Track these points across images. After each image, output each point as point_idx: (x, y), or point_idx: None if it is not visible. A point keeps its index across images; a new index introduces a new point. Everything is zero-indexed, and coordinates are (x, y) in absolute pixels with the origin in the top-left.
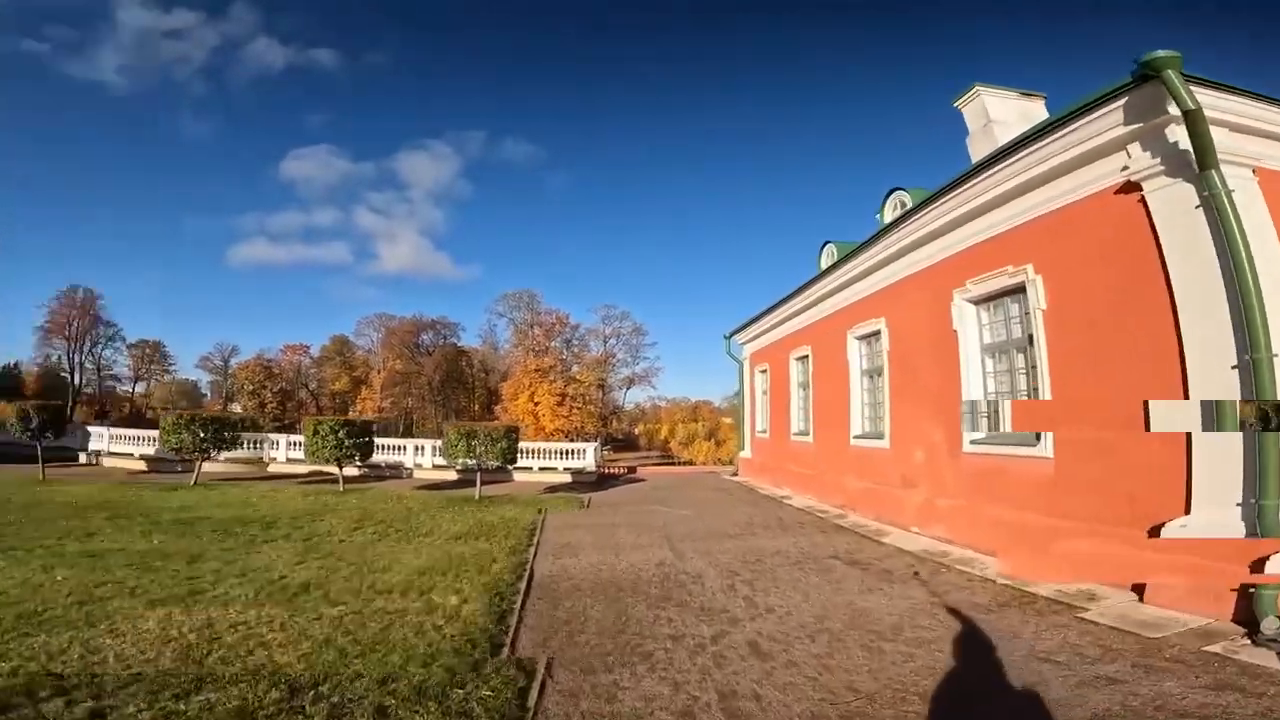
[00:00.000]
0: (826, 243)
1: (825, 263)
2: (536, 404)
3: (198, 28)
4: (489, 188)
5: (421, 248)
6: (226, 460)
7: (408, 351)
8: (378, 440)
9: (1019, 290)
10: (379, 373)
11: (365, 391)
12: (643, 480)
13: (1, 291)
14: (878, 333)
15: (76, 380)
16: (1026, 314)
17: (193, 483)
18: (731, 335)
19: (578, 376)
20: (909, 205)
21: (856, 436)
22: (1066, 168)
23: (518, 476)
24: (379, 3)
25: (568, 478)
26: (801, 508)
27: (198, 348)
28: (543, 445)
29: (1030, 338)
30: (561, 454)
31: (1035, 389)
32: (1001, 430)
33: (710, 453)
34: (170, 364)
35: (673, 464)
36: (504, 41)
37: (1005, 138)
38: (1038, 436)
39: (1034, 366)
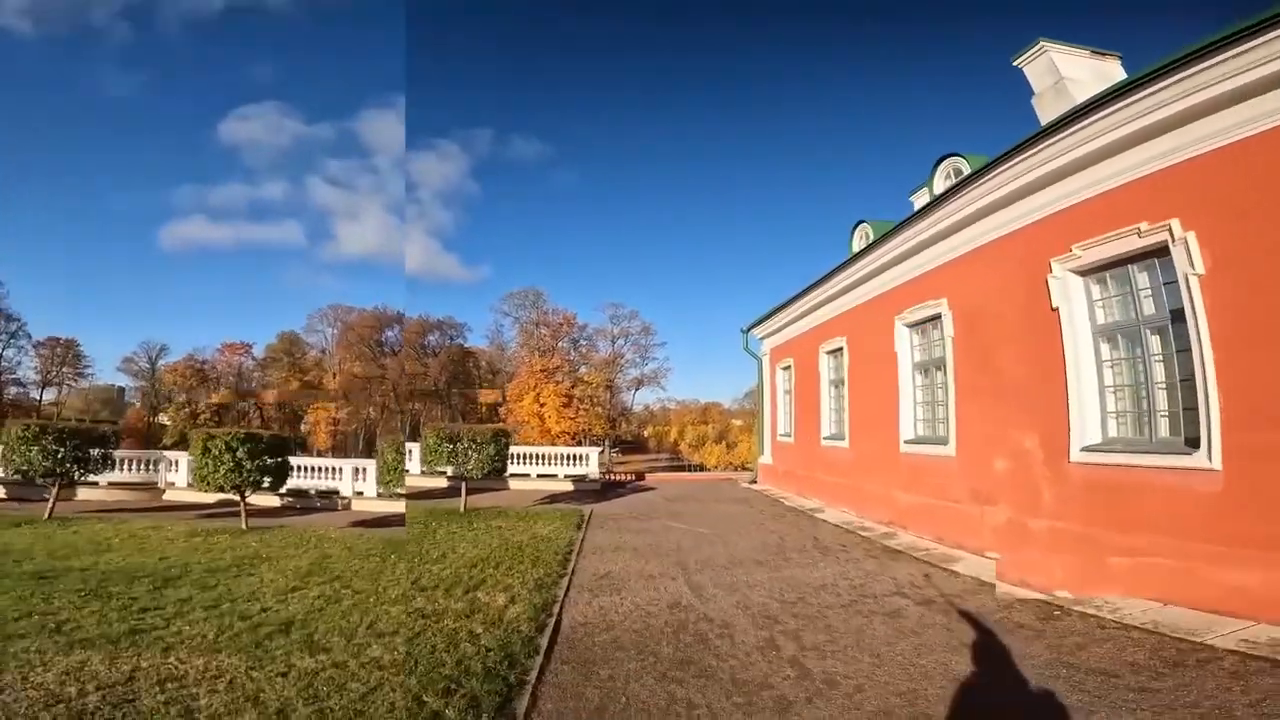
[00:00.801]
0: (859, 223)
1: (858, 244)
2: (542, 405)
3: None
4: (496, 187)
5: (430, 249)
6: (110, 485)
7: (369, 350)
8: (311, 462)
9: (1155, 253)
10: (334, 376)
11: (319, 400)
12: (652, 489)
13: None
14: (936, 317)
15: None
16: (1167, 283)
17: (46, 515)
18: (749, 329)
19: (585, 378)
20: (966, 171)
21: (908, 441)
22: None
23: (514, 484)
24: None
25: (569, 486)
26: (839, 524)
27: (121, 348)
28: (541, 450)
29: (1175, 314)
30: (562, 460)
31: (1178, 382)
32: (1131, 435)
33: (722, 456)
34: (86, 366)
35: (684, 469)
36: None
37: (1082, 96)
38: (1195, 442)
39: (1181, 350)
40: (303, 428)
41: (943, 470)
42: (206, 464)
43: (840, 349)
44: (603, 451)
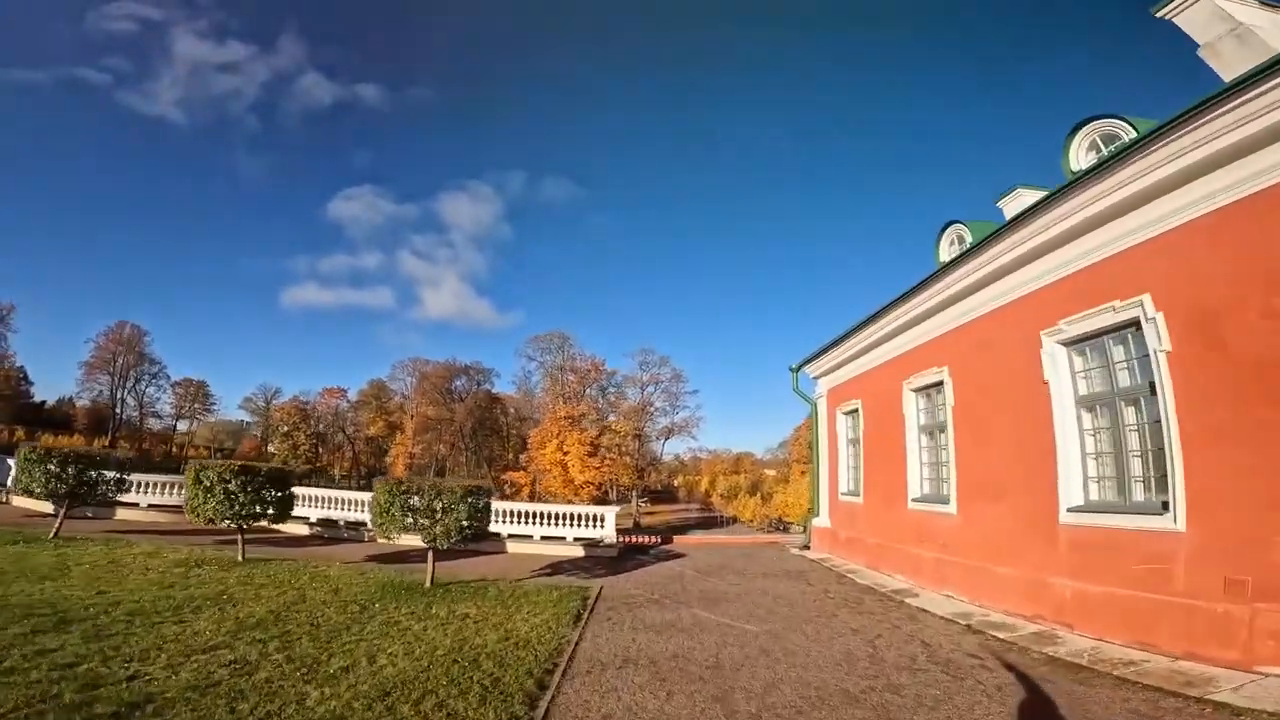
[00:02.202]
0: (950, 224)
1: (947, 252)
2: (565, 454)
3: (248, 61)
4: (529, 231)
5: (464, 294)
6: (150, 508)
7: (440, 397)
8: (339, 494)
9: None
10: (411, 418)
11: (400, 437)
12: (680, 555)
13: (57, 328)
14: (1128, 326)
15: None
16: None
17: (52, 534)
18: (800, 367)
19: (613, 426)
20: (1127, 138)
21: (1076, 510)
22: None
23: (513, 547)
24: (420, 37)
25: (578, 551)
26: (949, 617)
27: (245, 389)
28: (546, 508)
29: None
30: (571, 520)
31: None
32: None
33: (757, 510)
34: (213, 403)
35: (716, 521)
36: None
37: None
38: None
39: None
40: (387, 460)
41: (1157, 550)
42: (197, 495)
43: (938, 384)
44: (630, 501)
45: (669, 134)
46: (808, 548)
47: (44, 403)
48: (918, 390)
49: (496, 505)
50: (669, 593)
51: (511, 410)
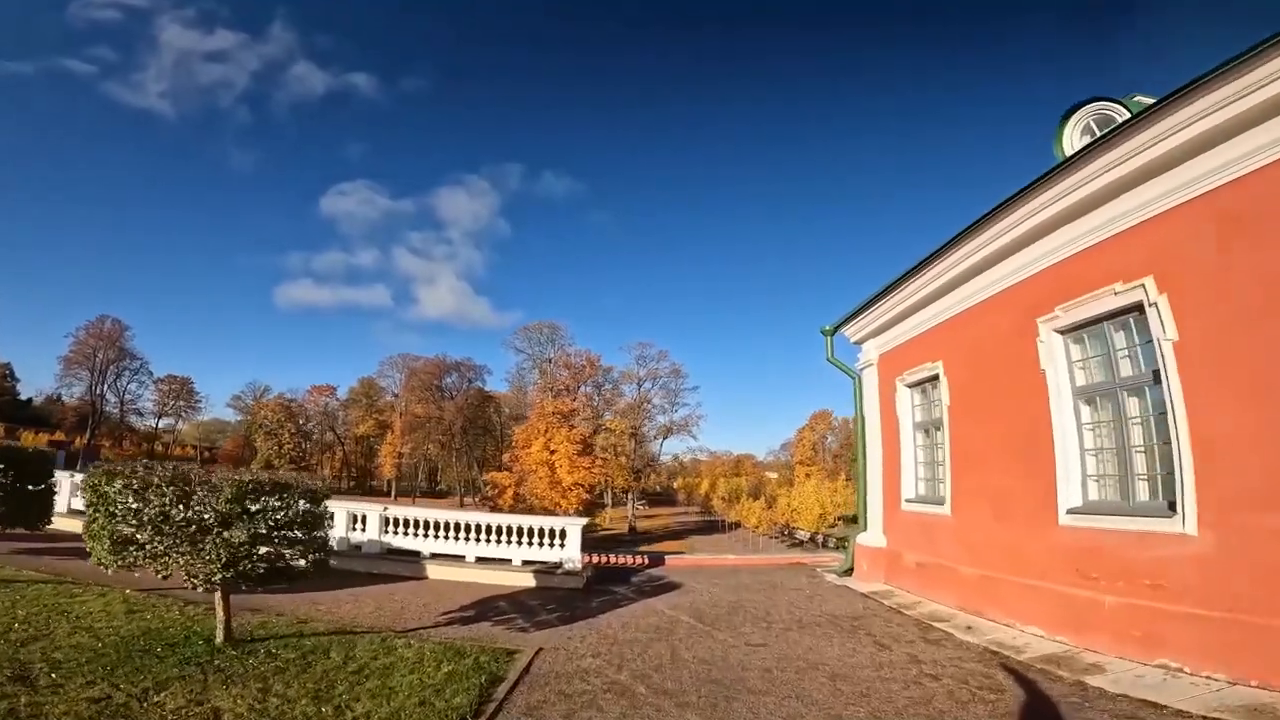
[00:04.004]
0: (1075, 108)
1: (1072, 144)
2: (553, 453)
3: (238, 49)
4: (527, 229)
5: (462, 292)
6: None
7: (430, 394)
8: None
9: None
10: (400, 416)
11: (390, 437)
12: (673, 587)
13: (45, 325)
14: None
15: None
16: None
17: None
18: (837, 329)
19: (609, 424)
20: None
21: None
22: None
23: (437, 571)
24: (414, 26)
25: (527, 579)
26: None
27: (234, 388)
28: (483, 519)
29: None
30: (520, 536)
31: None
32: None
33: (763, 516)
34: (198, 401)
35: (718, 527)
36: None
37: None
38: None
39: None
40: (376, 460)
41: None
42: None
43: (1126, 311)
44: (626, 504)
45: (669, 128)
46: (850, 573)
47: (30, 400)
48: (1072, 330)
49: (415, 514)
50: (647, 670)
51: (506, 409)
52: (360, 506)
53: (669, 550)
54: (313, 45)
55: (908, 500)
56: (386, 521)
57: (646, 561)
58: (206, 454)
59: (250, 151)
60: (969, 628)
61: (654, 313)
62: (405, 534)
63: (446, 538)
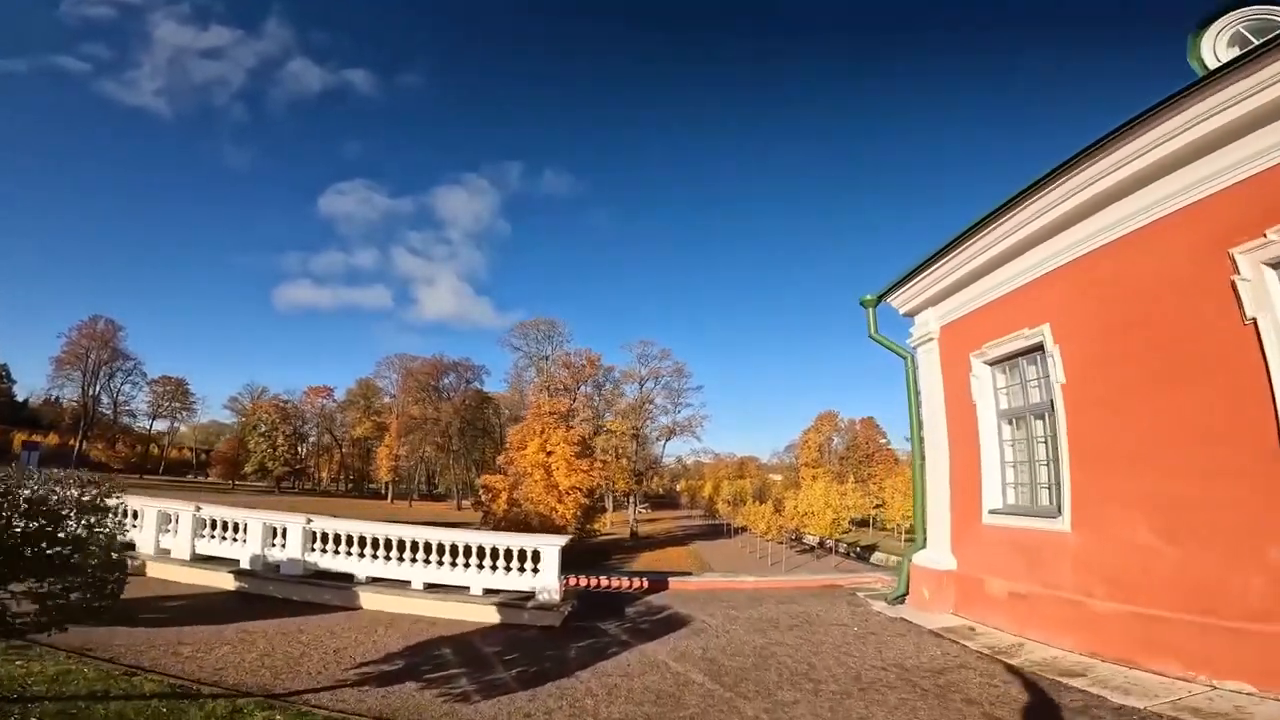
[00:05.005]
0: (1212, 18)
1: (1213, 57)
2: (549, 454)
3: (233, 45)
4: (528, 228)
5: (462, 292)
6: None
7: (426, 395)
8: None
9: None
10: (396, 417)
11: (387, 438)
12: (681, 624)
13: (41, 325)
14: None
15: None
16: None
17: None
18: (883, 298)
19: (610, 425)
20: None
21: None
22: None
23: (374, 600)
24: (412, 21)
25: (489, 613)
26: None
27: (234, 390)
28: (436, 536)
29: None
30: (482, 558)
31: None
32: None
33: (771, 521)
34: (193, 402)
35: (723, 531)
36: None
37: None
38: None
39: None
40: (374, 463)
41: None
42: None
43: None
44: (628, 507)
45: (670, 125)
46: (902, 599)
47: (26, 401)
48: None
49: (349, 528)
50: None
51: (505, 410)
52: (279, 517)
53: (672, 558)
54: (309, 41)
55: (992, 511)
56: (313, 536)
57: (645, 585)
58: (203, 457)
59: (246, 149)
60: (1125, 688)
61: (655, 312)
62: (337, 552)
63: (389, 558)
